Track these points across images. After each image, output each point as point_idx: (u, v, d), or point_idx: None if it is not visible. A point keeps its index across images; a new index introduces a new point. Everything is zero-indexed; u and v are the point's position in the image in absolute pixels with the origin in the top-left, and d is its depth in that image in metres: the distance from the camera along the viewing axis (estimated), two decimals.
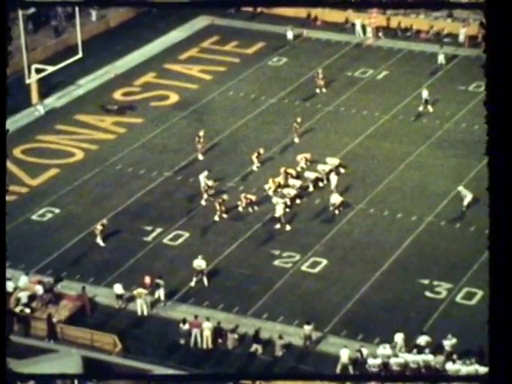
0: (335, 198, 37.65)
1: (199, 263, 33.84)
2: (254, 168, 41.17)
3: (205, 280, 33.86)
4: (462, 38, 52.33)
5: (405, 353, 30.25)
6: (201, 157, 42.09)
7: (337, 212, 37.59)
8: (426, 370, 29.80)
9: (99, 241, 36.13)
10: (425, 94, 45.43)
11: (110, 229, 36.76)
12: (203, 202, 38.75)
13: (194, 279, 33.77)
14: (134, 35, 54.12)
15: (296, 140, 43.34)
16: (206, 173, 39.33)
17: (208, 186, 38.56)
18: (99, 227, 36.06)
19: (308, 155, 40.72)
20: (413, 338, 30.78)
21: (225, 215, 37.25)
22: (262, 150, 41.24)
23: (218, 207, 37.15)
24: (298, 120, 43.51)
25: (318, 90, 47.52)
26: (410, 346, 30.56)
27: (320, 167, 40.02)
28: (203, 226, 37.49)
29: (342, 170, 40.63)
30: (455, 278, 34.11)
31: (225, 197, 37.39)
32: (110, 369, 28.77)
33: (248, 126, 45.09)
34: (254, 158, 41.02)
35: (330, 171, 40.08)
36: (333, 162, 40.51)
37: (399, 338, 30.53)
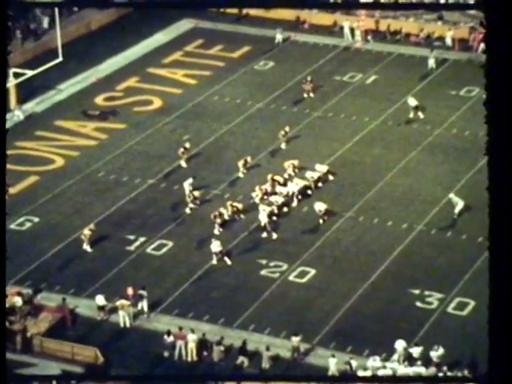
0: (320, 205, 37.60)
1: (216, 244, 35.05)
2: (240, 175, 41.11)
3: (227, 260, 35.13)
4: (449, 41, 52.54)
5: (395, 363, 30.20)
6: (184, 164, 42.00)
7: (321, 221, 37.54)
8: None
9: (86, 247, 36.01)
10: (412, 102, 45.50)
11: (92, 238, 36.58)
12: (188, 210, 38.66)
13: (215, 258, 35.23)
14: (116, 38, 54.02)
15: (283, 146, 43.34)
16: (190, 180, 39.27)
17: (194, 196, 38.45)
18: (87, 232, 35.93)
19: (296, 162, 40.70)
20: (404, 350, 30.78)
21: (220, 229, 37.05)
22: (249, 159, 41.17)
23: (215, 220, 36.92)
24: (287, 129, 43.48)
25: (305, 95, 47.57)
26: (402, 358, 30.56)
27: (308, 174, 39.99)
28: (188, 235, 37.37)
29: (330, 177, 40.64)
30: (447, 287, 34.12)
31: (221, 210, 37.17)
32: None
33: (234, 132, 45.06)
34: (240, 165, 40.95)
35: (319, 178, 40.11)
36: (321, 169, 40.52)
37: (400, 345, 30.44)
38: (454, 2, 47.42)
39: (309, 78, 47.78)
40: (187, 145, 42.28)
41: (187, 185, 39.07)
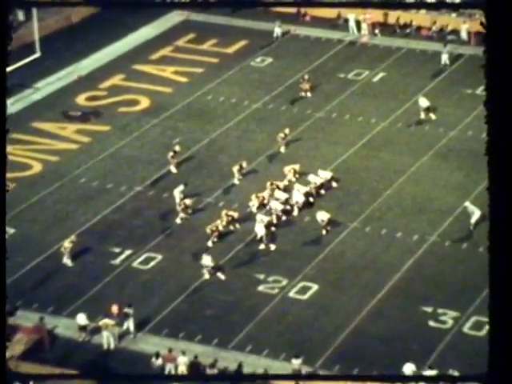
0: (322, 215, 37.61)
1: (207, 259, 35.05)
2: (236, 181, 41.16)
3: (220, 275, 35.26)
4: (464, 35, 52.73)
5: None
6: (174, 169, 42.06)
7: (324, 232, 37.57)
8: None
9: (67, 260, 36.06)
10: (423, 102, 45.55)
11: (73, 250, 36.59)
12: (178, 221, 38.68)
13: (206, 272, 35.31)
14: (99, 32, 54.11)
15: (282, 150, 43.40)
16: (181, 187, 39.31)
17: (185, 204, 38.48)
18: (67, 245, 35.98)
19: (297, 166, 40.77)
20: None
21: (215, 239, 37.14)
22: (244, 164, 41.22)
23: (210, 232, 36.93)
24: (286, 131, 43.51)
25: (302, 95, 47.59)
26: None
27: (311, 178, 39.93)
28: (178, 247, 37.41)
29: (334, 184, 40.69)
30: (462, 305, 34.14)
31: (218, 223, 37.12)
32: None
33: (229, 135, 45.13)
34: (235, 170, 41.00)
35: (321, 185, 40.12)
36: (325, 175, 40.54)
37: (408, 369, 30.49)
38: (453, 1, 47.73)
39: (306, 77, 47.90)
40: (177, 148, 42.33)
41: (178, 192, 39.11)
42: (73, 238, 36.55)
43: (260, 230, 36.92)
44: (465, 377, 25.85)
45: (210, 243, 36.93)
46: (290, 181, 40.25)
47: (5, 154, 8.61)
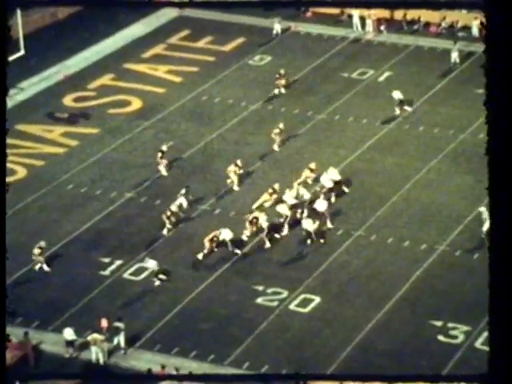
0: (308, 224, 37.33)
1: (152, 264, 35.43)
2: (236, 187, 41.12)
3: (162, 279, 35.50)
4: (475, 32, 52.82)
5: None
6: (164, 171, 41.98)
7: (322, 241, 37.44)
8: None
9: (43, 266, 36.16)
10: (396, 95, 45.61)
11: (59, 261, 36.63)
12: (166, 229, 38.62)
13: (157, 280, 35.76)
14: (87, 29, 54.19)
15: (276, 148, 43.38)
16: (182, 191, 39.25)
17: (171, 212, 38.28)
18: (37, 251, 36.14)
19: (313, 165, 40.57)
20: None
21: (216, 249, 37.14)
22: (239, 162, 41.10)
23: (206, 244, 36.86)
24: (281, 126, 43.54)
25: (276, 91, 47.56)
26: None
27: (323, 179, 39.82)
28: (172, 257, 37.38)
29: (345, 189, 40.54)
30: (474, 318, 34.08)
31: (217, 233, 37.06)
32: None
33: (225, 138, 45.14)
34: (231, 174, 40.92)
35: (331, 189, 39.94)
36: (334, 174, 40.20)
37: None
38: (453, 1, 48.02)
39: (282, 72, 47.93)
40: (164, 147, 42.24)
41: (182, 198, 38.87)
42: (41, 243, 36.53)
43: (227, 235, 36.72)
44: (465, 377, 25.91)
45: (200, 256, 36.79)
46: (304, 182, 39.95)
47: (5, 153, 8.93)
